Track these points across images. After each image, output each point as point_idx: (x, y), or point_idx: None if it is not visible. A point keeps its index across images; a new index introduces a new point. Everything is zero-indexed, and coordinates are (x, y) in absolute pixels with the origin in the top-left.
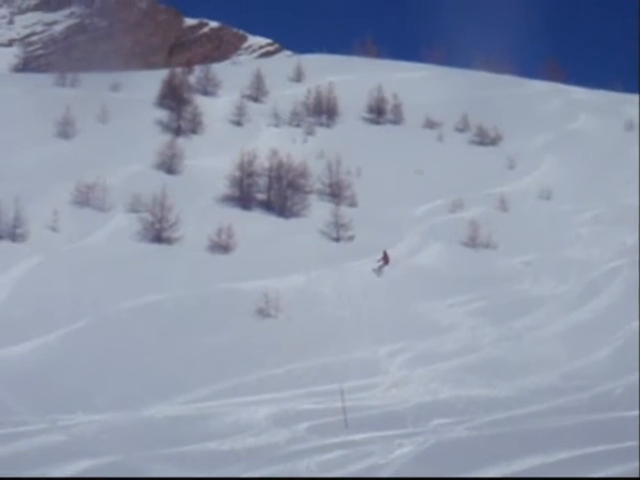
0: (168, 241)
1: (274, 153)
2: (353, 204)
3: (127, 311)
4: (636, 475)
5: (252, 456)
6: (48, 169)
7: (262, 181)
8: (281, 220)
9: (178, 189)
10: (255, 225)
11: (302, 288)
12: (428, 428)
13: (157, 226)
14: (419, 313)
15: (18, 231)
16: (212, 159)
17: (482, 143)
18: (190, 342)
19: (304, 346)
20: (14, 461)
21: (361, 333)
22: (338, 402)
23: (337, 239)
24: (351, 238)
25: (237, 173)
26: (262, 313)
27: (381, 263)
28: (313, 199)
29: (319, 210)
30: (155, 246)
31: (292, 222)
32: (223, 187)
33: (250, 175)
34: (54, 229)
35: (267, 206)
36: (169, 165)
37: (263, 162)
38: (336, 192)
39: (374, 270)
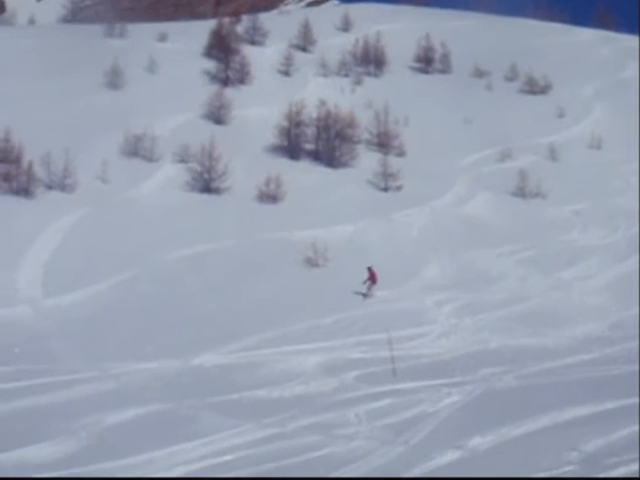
0: (216, 191)
1: (322, 103)
2: (401, 154)
3: (176, 261)
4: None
5: (301, 404)
6: (97, 120)
7: (310, 131)
8: (329, 170)
9: (226, 139)
10: (303, 175)
11: (350, 238)
12: (476, 377)
13: (205, 176)
14: (467, 263)
15: (67, 182)
16: (260, 109)
17: (531, 92)
18: (239, 291)
19: (352, 296)
20: (65, 409)
21: (409, 282)
22: (386, 351)
23: (385, 189)
24: (399, 188)
25: (285, 123)
26: (310, 263)
27: (368, 283)
28: (361, 149)
29: (367, 160)
30: (203, 196)
31: (340, 172)
32: (271, 137)
33: (298, 125)
34: (103, 179)
35: (315, 156)
36: (217, 115)
37: (311, 112)
38: (384, 142)
39: (362, 294)
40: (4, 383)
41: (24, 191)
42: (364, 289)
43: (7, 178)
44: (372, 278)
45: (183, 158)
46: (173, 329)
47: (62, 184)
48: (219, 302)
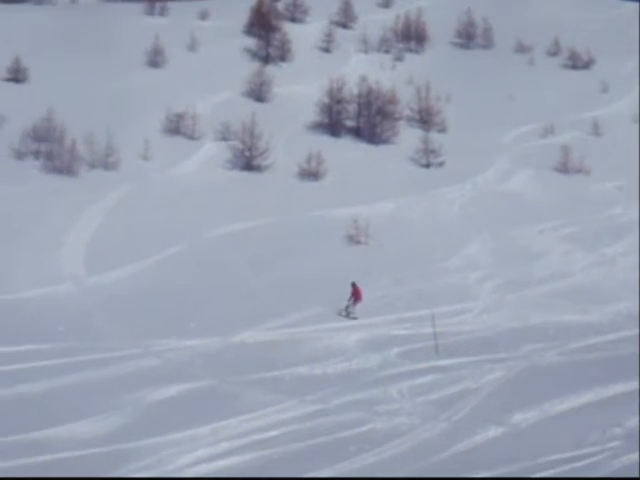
0: (258, 169)
1: (363, 79)
2: (443, 130)
3: (219, 238)
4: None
5: (344, 381)
6: (138, 98)
7: (351, 108)
8: (371, 147)
9: (267, 117)
10: (345, 152)
11: (392, 215)
12: (519, 353)
13: (247, 154)
14: (509, 239)
15: (110, 160)
16: (301, 86)
17: (574, 67)
18: (281, 268)
19: (394, 272)
20: (110, 386)
21: (451, 259)
22: (429, 328)
23: (427, 165)
24: (441, 164)
25: (326, 100)
26: (352, 240)
27: (351, 301)
28: (402, 125)
29: (409, 136)
30: (245, 174)
31: (382, 149)
32: (312, 114)
33: (339, 102)
34: (145, 157)
35: (356, 133)
36: (258, 93)
37: (352, 89)
38: (425, 118)
39: (343, 313)
40: (49, 360)
41: (67, 170)
42: (349, 307)
43: (50, 157)
44: (355, 295)
45: (224, 136)
46: (216, 306)
47: (105, 162)
48: (261, 279)
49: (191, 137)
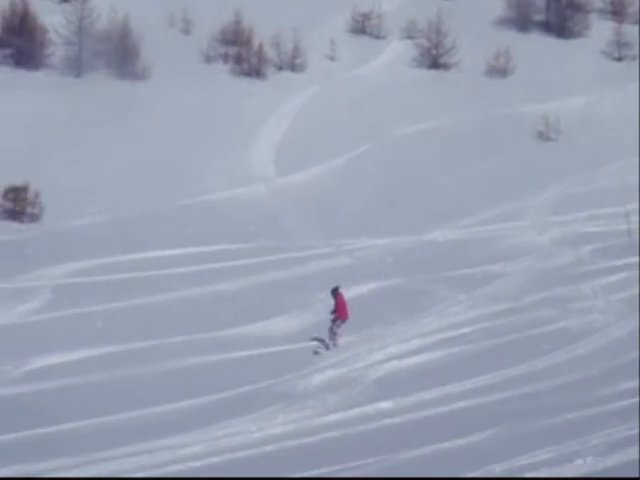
0: (444, 67)
1: None
2: (636, 21)
3: (407, 137)
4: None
5: (535, 278)
6: None
7: (539, 1)
8: (560, 41)
9: (453, 13)
10: (533, 47)
11: (583, 110)
12: None
13: (433, 52)
14: None
15: (297, 61)
16: None
17: None
18: (470, 166)
19: (584, 169)
20: (302, 284)
21: None
22: (622, 224)
23: (619, 58)
24: (634, 57)
25: None
26: (542, 136)
27: (334, 317)
28: (594, 18)
29: (600, 29)
30: (431, 72)
31: (572, 43)
32: (499, 9)
33: None
34: (331, 58)
35: (545, 27)
36: None
37: None
38: (618, 10)
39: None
40: (243, 260)
41: (255, 72)
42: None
43: (239, 60)
44: (339, 309)
45: (410, 34)
46: (405, 205)
47: (292, 64)
48: (450, 177)
49: (377, 36)
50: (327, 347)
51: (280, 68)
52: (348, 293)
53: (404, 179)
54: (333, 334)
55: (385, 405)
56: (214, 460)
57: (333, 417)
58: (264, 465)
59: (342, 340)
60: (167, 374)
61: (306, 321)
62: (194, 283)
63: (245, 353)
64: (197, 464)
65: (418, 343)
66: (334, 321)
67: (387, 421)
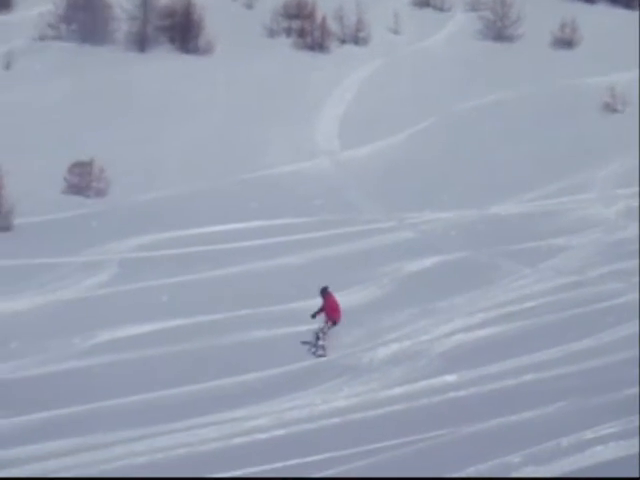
0: (510, 39)
1: None
2: None
3: (471, 110)
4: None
5: (601, 252)
6: None
7: None
8: (628, 12)
9: None
10: (600, 18)
11: None
12: None
13: (498, 24)
14: None
15: (361, 35)
16: None
17: None
18: (535, 139)
19: None
20: (366, 257)
21: None
22: None
23: None
24: None
25: None
26: (608, 108)
27: (323, 319)
28: None
29: None
30: (496, 44)
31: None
32: None
33: None
34: (395, 31)
35: None
36: None
37: None
38: None
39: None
40: (307, 233)
41: (318, 46)
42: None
43: (302, 34)
44: (329, 310)
45: (474, 6)
46: (469, 178)
47: (355, 37)
48: (515, 150)
49: (441, 9)
50: (316, 351)
51: (343, 41)
52: (411, 266)
53: (468, 152)
54: (317, 338)
55: (450, 378)
56: (280, 432)
57: (398, 390)
58: (329, 438)
59: (330, 343)
60: (232, 347)
61: (371, 294)
62: (259, 257)
63: (305, 328)
64: (263, 436)
65: (483, 316)
66: (325, 322)
67: (452, 394)
